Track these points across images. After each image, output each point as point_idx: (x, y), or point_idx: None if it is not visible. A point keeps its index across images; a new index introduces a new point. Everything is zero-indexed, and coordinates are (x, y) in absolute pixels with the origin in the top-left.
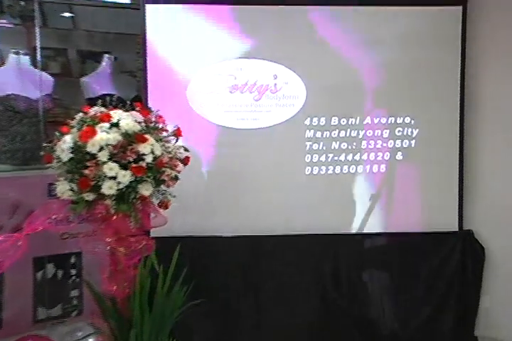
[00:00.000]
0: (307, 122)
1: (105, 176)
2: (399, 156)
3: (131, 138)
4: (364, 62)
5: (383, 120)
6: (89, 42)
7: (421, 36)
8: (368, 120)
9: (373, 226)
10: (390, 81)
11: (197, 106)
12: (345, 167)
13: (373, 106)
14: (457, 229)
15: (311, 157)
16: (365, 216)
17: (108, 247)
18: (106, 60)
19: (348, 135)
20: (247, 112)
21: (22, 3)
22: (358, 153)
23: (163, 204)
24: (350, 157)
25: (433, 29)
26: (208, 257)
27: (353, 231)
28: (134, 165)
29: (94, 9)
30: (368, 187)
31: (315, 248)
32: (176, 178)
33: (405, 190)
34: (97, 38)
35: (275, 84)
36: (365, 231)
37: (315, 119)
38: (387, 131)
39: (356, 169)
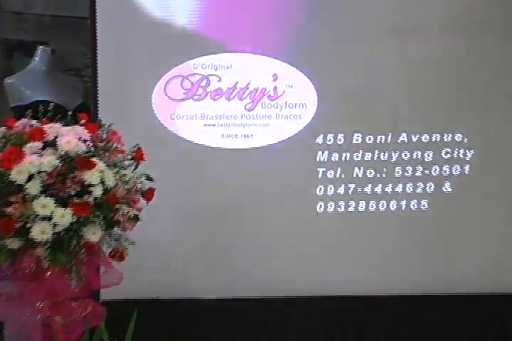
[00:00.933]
0: (319, 140)
1: (36, 216)
2: (447, 188)
3: (73, 163)
4: (396, 58)
5: (424, 138)
6: (18, 28)
7: (476, 20)
8: (403, 137)
9: (413, 286)
10: (433, 83)
11: (166, 117)
12: (372, 203)
13: (410, 118)
14: None
15: (325, 189)
16: (402, 272)
17: (39, 315)
18: (40, 54)
19: (375, 158)
20: (235, 126)
21: None
22: (390, 184)
23: (118, 255)
24: (378, 189)
25: (496, 12)
26: (184, 328)
27: (386, 292)
28: (76, 200)
29: None
30: (404, 232)
31: (332, 316)
32: (136, 219)
33: (457, 235)
34: (28, 22)
35: (275, 88)
36: (403, 292)
37: (330, 136)
38: (430, 152)
39: (387, 206)
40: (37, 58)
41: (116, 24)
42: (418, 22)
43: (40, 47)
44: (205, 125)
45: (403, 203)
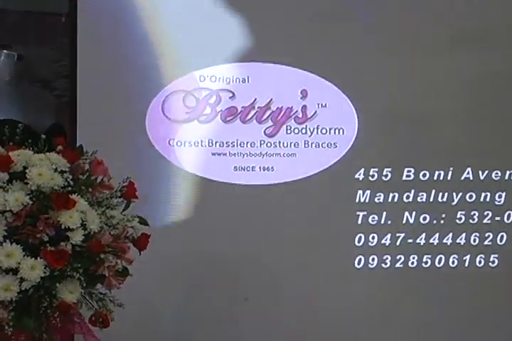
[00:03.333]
0: (359, 176)
1: None
2: None
3: (47, 201)
4: (460, 72)
5: (495, 174)
6: None
7: None
8: (467, 174)
9: None
10: (508, 104)
11: (163, 143)
12: (427, 257)
13: (478, 150)
14: None
15: (366, 237)
16: None
17: None
18: (3, 61)
19: (431, 200)
20: (252, 156)
21: None
22: (450, 233)
23: (101, 319)
24: (435, 239)
25: None
26: None
27: None
28: (50, 248)
29: None
30: (467, 295)
31: None
32: (125, 273)
33: None
34: None
35: (304, 108)
36: None
37: (373, 171)
38: (503, 193)
39: (446, 261)
40: None
41: (102, 22)
42: (488, 28)
43: (4, 51)
44: (214, 154)
45: (467, 258)
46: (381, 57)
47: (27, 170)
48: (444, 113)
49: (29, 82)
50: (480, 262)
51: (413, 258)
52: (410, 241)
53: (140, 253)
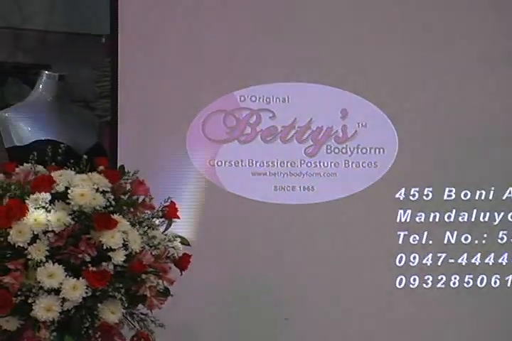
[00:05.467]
0: (400, 195)
1: (40, 288)
2: None
3: (89, 221)
4: (500, 85)
5: None
6: (14, 47)
7: None
8: (509, 193)
9: None
10: None
11: (204, 163)
12: (469, 277)
13: None
14: None
15: (407, 258)
16: None
17: None
18: (44, 81)
19: (473, 219)
20: (293, 176)
21: None
22: (492, 253)
23: (142, 340)
24: (476, 258)
25: None
26: None
27: None
28: (91, 268)
29: None
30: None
31: None
32: (166, 293)
33: None
34: (27, 40)
35: (344, 128)
36: None
37: (414, 191)
38: None
39: (488, 281)
40: (41, 86)
41: (141, 42)
42: None
43: (46, 72)
44: (254, 173)
45: (509, 278)
46: (422, 78)
47: (69, 191)
48: (486, 133)
49: (70, 102)
50: None
51: (455, 278)
52: (452, 261)
53: (181, 274)
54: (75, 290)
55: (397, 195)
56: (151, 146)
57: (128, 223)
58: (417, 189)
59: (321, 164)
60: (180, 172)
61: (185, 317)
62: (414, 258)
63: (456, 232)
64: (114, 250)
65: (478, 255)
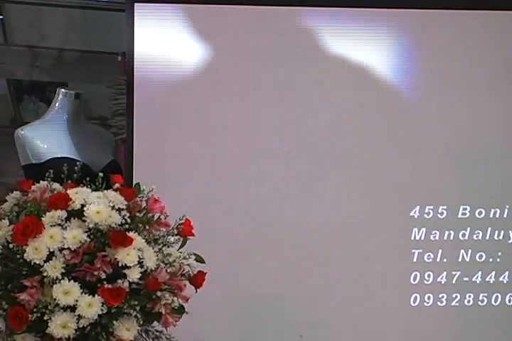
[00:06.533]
0: (415, 213)
1: (56, 305)
2: None
3: (105, 239)
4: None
5: None
6: (31, 65)
7: None
8: None
9: None
10: None
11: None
12: (483, 296)
13: None
14: None
15: (422, 275)
16: None
17: None
18: (60, 99)
19: (487, 237)
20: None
21: None
22: (507, 271)
23: None
24: (491, 277)
25: None
26: None
27: None
28: (107, 285)
29: (38, 10)
30: None
31: None
32: (181, 311)
33: None
34: (44, 58)
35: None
36: None
37: (428, 209)
38: None
39: (502, 299)
40: (57, 104)
41: (158, 61)
42: None
43: (62, 90)
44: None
45: None
46: (438, 94)
47: (85, 208)
48: (502, 151)
49: (86, 120)
50: None
51: (469, 296)
52: (466, 279)
53: (196, 291)
54: (91, 307)
55: (411, 213)
56: (167, 164)
57: (143, 240)
58: (432, 207)
59: None
60: (195, 189)
61: (200, 334)
62: (429, 276)
63: (470, 250)
64: (130, 267)
65: (493, 273)
